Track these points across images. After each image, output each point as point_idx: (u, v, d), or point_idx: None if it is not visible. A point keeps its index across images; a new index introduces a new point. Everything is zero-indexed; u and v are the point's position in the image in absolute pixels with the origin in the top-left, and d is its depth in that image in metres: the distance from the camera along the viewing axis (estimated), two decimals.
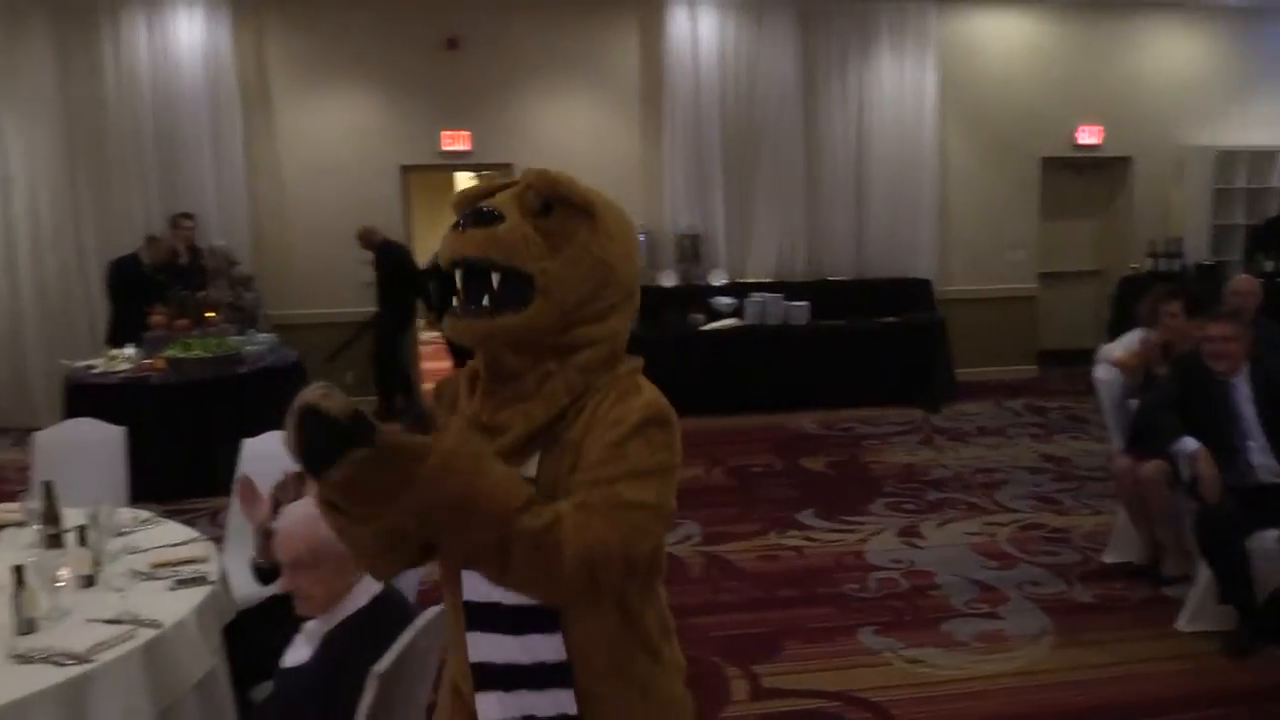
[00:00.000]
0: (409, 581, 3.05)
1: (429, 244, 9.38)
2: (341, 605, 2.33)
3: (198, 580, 2.97)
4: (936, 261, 9.94)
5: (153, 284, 7.57)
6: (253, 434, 4.07)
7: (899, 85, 9.77)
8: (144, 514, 3.63)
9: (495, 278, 1.53)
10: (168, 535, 3.41)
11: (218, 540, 3.64)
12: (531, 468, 1.53)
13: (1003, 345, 10.27)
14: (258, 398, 6.43)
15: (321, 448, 1.31)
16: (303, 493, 2.59)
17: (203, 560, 3.13)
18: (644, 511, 1.45)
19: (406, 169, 9.30)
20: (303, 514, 2.29)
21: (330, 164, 9.01)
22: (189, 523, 3.88)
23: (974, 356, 9.90)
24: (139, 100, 8.58)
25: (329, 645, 2.30)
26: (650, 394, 1.55)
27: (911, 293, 9.68)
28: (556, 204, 1.56)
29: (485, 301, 1.54)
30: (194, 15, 8.61)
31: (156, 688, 2.57)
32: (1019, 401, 9.24)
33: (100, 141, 8.60)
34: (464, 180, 11.84)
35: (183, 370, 6.54)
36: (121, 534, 3.36)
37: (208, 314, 7.30)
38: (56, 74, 8.50)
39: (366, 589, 2.36)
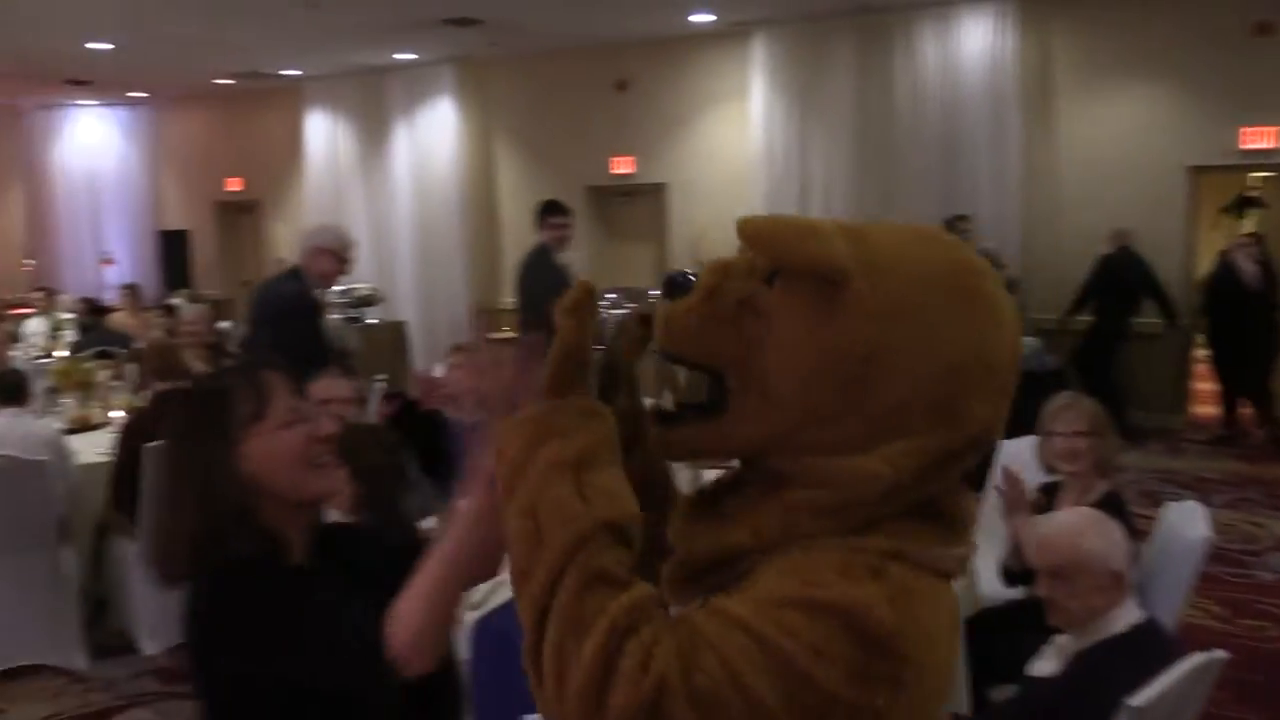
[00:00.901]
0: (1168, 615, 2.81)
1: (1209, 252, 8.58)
2: (1097, 624, 2.22)
3: None
4: None
5: None
6: (1009, 435, 4.06)
7: None
8: None
9: (681, 372, 1.17)
10: None
11: None
12: None
13: None
14: (1017, 400, 6.37)
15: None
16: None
17: None
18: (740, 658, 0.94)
19: (1196, 170, 8.54)
20: (1066, 523, 2.22)
21: (1109, 165, 8.62)
22: None
23: None
24: (925, 109, 9.04)
25: (1082, 664, 2.20)
26: (890, 594, 0.98)
27: None
28: (780, 266, 1.08)
29: (667, 403, 1.18)
30: (982, 22, 8.83)
31: None
32: None
33: (888, 151, 9.23)
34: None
35: None
36: None
37: None
38: (855, 88, 9.31)
39: (1126, 614, 2.21)
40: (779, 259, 1.06)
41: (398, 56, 10.94)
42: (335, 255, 5.08)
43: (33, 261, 13.98)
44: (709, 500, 1.17)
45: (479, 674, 2.45)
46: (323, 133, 12.33)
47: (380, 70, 11.53)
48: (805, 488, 1.05)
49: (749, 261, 1.11)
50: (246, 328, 5.78)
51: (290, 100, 12.43)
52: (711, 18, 9.29)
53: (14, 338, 8.17)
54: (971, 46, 8.88)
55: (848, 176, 9.42)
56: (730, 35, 9.71)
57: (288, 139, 12.62)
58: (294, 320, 4.95)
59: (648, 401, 1.24)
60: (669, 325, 1.12)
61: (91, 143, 14.43)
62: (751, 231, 1.08)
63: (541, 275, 6.26)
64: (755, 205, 9.58)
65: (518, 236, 11.15)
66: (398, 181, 11.75)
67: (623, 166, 10.65)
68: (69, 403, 5.81)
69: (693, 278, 1.20)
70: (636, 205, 10.73)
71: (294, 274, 5.15)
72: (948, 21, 8.97)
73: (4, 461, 4.23)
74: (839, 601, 0.96)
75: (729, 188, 9.92)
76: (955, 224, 8.52)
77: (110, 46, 9.79)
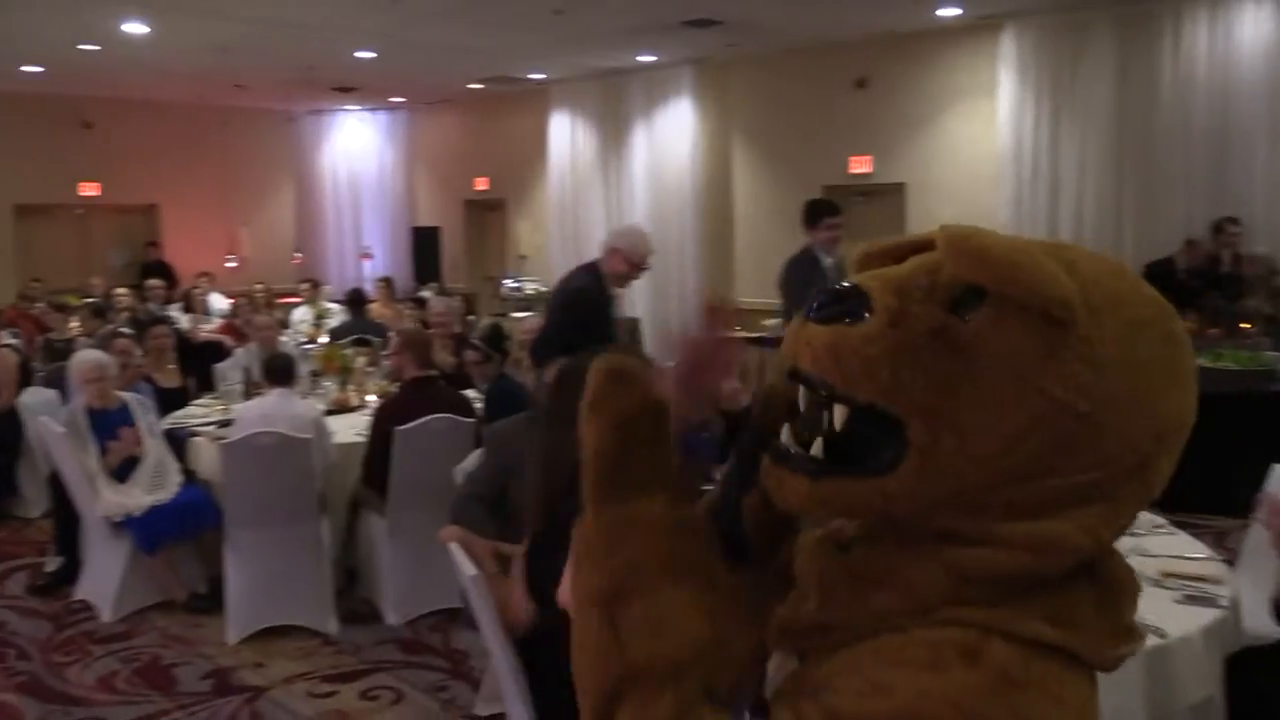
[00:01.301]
0: None
1: None
2: None
3: (1207, 600, 2.81)
4: None
5: (1185, 289, 7.40)
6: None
7: None
8: (1158, 520, 3.56)
9: (838, 411, 0.95)
10: (1179, 547, 3.29)
11: (1228, 563, 3.41)
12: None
13: None
14: None
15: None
16: None
17: (1215, 581, 2.95)
18: None
19: None
20: None
21: None
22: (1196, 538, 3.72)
23: None
24: (1192, 103, 8.39)
25: None
26: (953, 686, 0.85)
27: None
28: (993, 294, 0.89)
29: (816, 448, 0.97)
30: (1261, 9, 8.10)
31: (1151, 697, 2.51)
32: None
33: (1149, 144, 8.63)
34: None
35: (1209, 381, 6.28)
36: (1132, 534, 3.35)
37: (1243, 325, 6.90)
38: (1114, 80, 8.75)
39: None
40: (998, 284, 0.88)
41: (639, 59, 11.15)
42: (626, 258, 5.22)
43: (301, 255, 15.13)
44: (841, 548, 1.03)
45: None
46: (565, 133, 12.72)
47: (621, 72, 11.79)
48: (990, 548, 0.90)
49: (928, 279, 0.93)
50: (544, 315, 6.01)
51: (536, 103, 12.89)
52: (958, 11, 8.97)
53: (283, 324, 8.80)
54: (1248, 35, 8.17)
55: (1102, 177, 8.87)
56: (977, 29, 9.34)
57: (532, 140, 13.08)
58: (583, 312, 5.11)
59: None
60: (838, 355, 0.92)
61: (354, 145, 15.49)
62: (969, 247, 0.89)
63: (806, 279, 5.91)
64: (999, 207, 9.20)
65: (752, 236, 11.16)
66: (635, 181, 11.98)
67: (861, 166, 10.45)
68: (330, 386, 6.24)
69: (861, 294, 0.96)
70: (874, 205, 10.49)
71: (591, 268, 5.34)
72: (1221, 9, 8.30)
73: (276, 439, 4.59)
74: (953, 696, 0.84)
75: (971, 188, 9.56)
76: (1224, 226, 7.89)
77: (374, 55, 10.46)
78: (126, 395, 5.23)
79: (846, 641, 0.94)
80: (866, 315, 0.92)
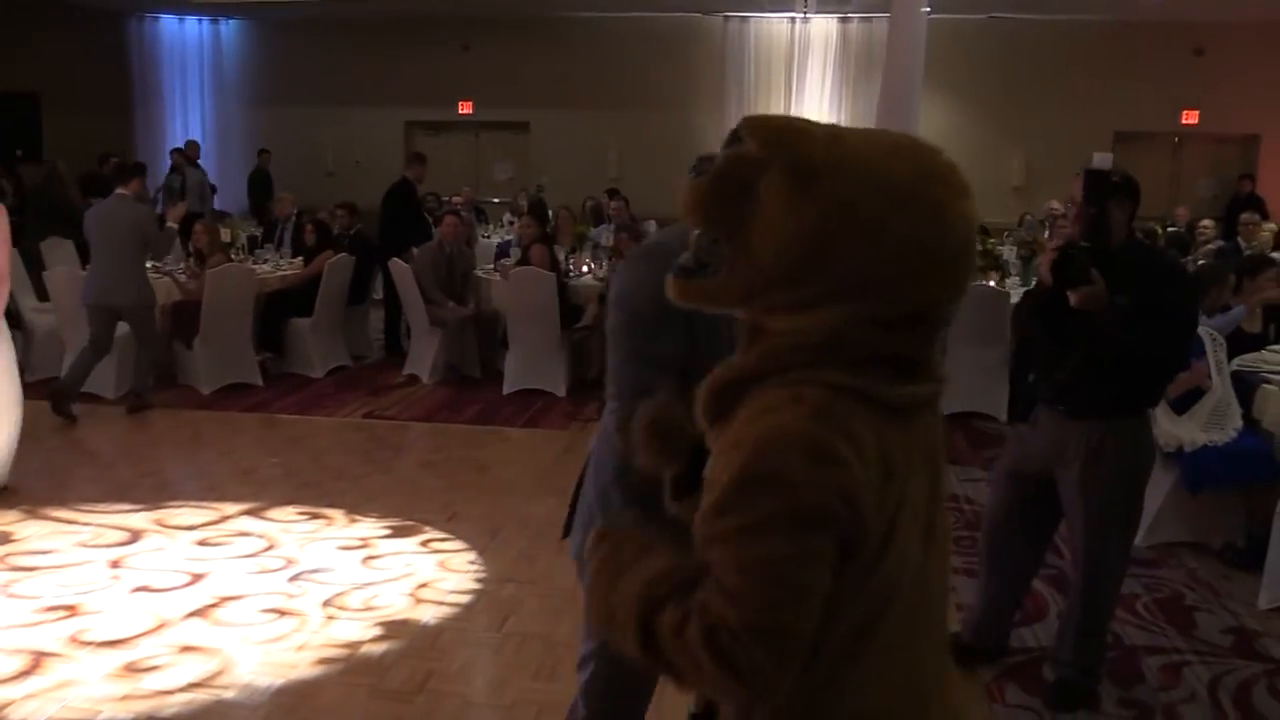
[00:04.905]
0: None
1: None
2: None
3: None
4: None
5: None
6: None
7: None
8: None
9: (695, 236, 1.37)
10: None
11: None
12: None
13: None
14: None
15: None
16: None
17: None
18: (743, 585, 1.20)
19: None
20: None
21: None
22: None
23: None
24: None
25: None
26: (783, 420, 1.24)
27: None
28: (769, 155, 1.27)
29: (685, 260, 1.37)
30: None
31: None
32: None
33: None
34: None
35: None
36: None
37: None
38: None
39: None
40: (770, 149, 1.28)
41: None
42: None
43: None
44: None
45: None
46: None
47: None
48: (772, 339, 1.32)
49: (738, 148, 1.31)
50: None
51: None
52: None
53: None
54: None
55: None
56: None
57: None
58: None
59: None
60: (686, 201, 1.33)
61: None
62: (755, 124, 1.32)
63: None
64: None
65: None
66: None
67: None
68: None
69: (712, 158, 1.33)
70: None
71: None
72: None
73: None
74: (765, 446, 1.23)
75: None
76: None
77: None
78: (1203, 330, 5.09)
79: (728, 410, 1.34)
80: (706, 172, 1.33)
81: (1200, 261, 7.77)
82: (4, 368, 5.35)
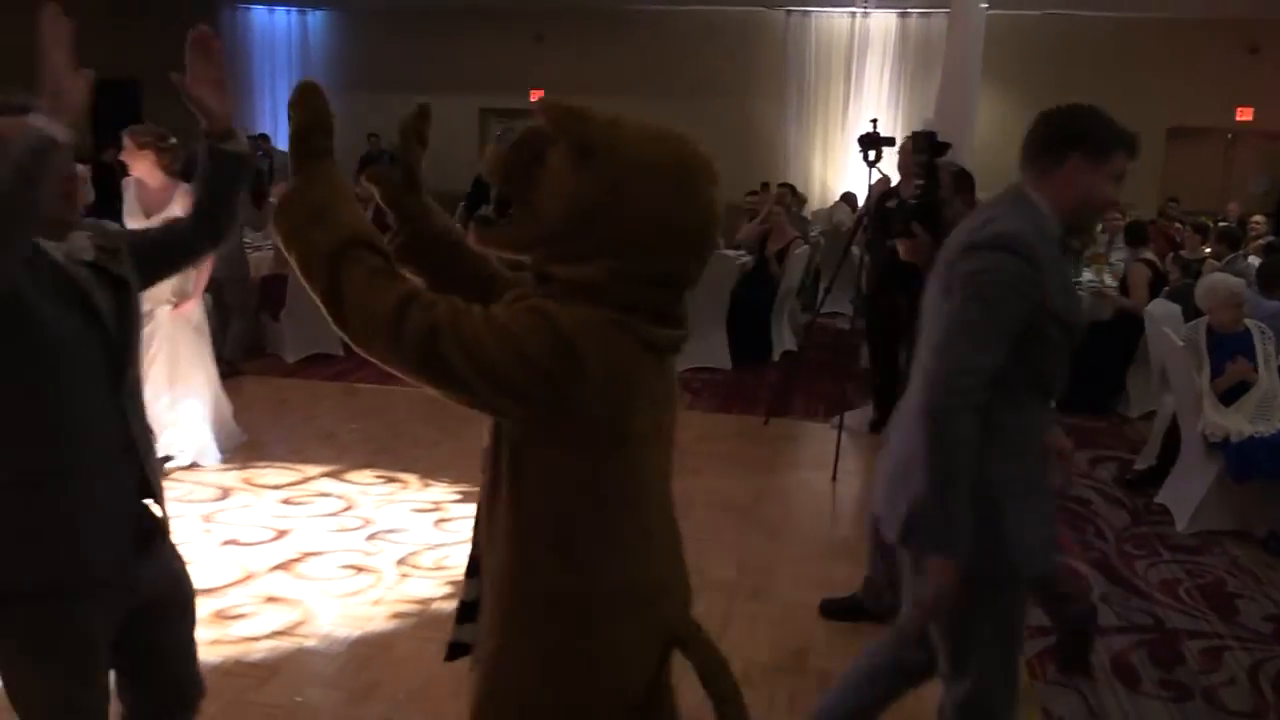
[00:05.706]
0: None
1: None
2: None
3: None
4: None
5: None
6: None
7: None
8: None
9: (494, 192, 1.61)
10: None
11: None
12: None
13: None
14: None
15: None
16: None
17: None
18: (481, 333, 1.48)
19: None
20: None
21: None
22: None
23: None
24: None
25: None
26: (551, 308, 1.51)
27: None
28: (556, 132, 1.51)
29: (486, 211, 1.67)
30: None
31: None
32: None
33: None
34: None
35: None
36: None
37: None
38: None
39: None
40: (555, 127, 1.50)
41: None
42: None
43: None
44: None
45: None
46: None
47: None
48: (552, 284, 1.55)
49: (535, 126, 1.53)
50: None
51: None
52: None
53: None
54: None
55: None
56: None
57: None
58: None
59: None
60: (490, 158, 1.57)
61: None
62: (546, 105, 1.49)
63: None
64: None
65: None
66: None
67: None
68: None
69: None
70: None
71: None
72: None
73: None
74: (543, 308, 1.50)
75: None
76: None
77: None
78: (1250, 322, 5.20)
79: None
80: (507, 141, 1.57)
81: (1250, 258, 7.87)
82: (198, 352, 5.52)
